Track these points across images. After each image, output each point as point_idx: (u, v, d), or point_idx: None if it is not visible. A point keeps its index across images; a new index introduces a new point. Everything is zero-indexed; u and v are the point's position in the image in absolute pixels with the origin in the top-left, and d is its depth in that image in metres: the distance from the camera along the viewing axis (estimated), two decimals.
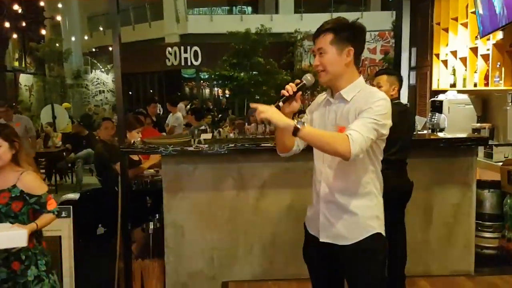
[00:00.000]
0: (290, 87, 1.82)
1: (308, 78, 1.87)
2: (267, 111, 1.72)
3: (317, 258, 2.00)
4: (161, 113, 10.26)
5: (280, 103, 1.81)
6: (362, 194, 1.87)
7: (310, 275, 2.07)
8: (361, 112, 1.77)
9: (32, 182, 2.37)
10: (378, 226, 1.88)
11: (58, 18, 14.04)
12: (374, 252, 1.87)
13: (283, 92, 1.83)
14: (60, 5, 14.02)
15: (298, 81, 1.85)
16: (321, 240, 1.92)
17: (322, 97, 2.02)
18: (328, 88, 1.95)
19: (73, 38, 15.75)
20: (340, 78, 1.86)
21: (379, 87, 2.89)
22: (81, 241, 3.30)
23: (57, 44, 14.75)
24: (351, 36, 1.84)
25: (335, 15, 15.38)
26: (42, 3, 12.98)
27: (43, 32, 14.87)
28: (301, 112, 2.79)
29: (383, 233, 1.90)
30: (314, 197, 1.99)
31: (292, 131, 1.71)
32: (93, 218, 3.43)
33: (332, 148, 1.72)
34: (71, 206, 3.22)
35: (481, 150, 4.52)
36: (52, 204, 2.40)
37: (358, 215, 1.86)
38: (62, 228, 3.28)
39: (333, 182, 1.89)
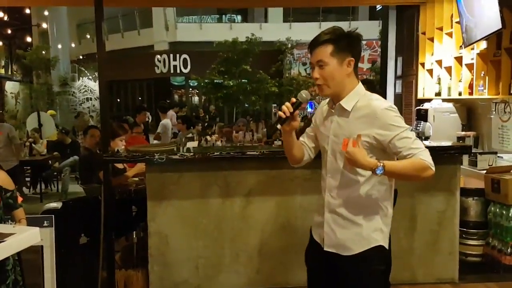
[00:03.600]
0: (287, 108, 1.80)
1: (303, 95, 1.83)
2: (356, 159, 1.68)
3: (318, 264, 1.99)
4: (149, 120, 10.22)
5: (278, 126, 1.82)
6: (366, 205, 1.84)
7: (308, 278, 2.07)
8: (384, 131, 1.74)
9: (6, 178, 2.51)
10: (381, 238, 1.86)
11: (44, 25, 13.95)
12: (374, 263, 1.87)
13: (280, 114, 1.81)
14: (46, 13, 13.94)
15: (293, 99, 1.82)
16: (325, 249, 1.92)
17: (325, 105, 1.99)
18: (329, 98, 1.93)
19: (59, 46, 15.65)
20: (343, 89, 1.83)
21: None
22: (63, 251, 3.25)
23: (43, 52, 14.65)
24: (350, 45, 1.81)
25: (324, 24, 15.58)
26: (28, 11, 12.90)
27: (30, 39, 14.77)
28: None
29: (386, 245, 1.89)
30: (320, 205, 1.99)
31: (375, 172, 1.69)
32: (76, 227, 3.38)
33: (417, 178, 1.76)
34: (53, 215, 3.17)
35: (465, 158, 4.56)
36: (19, 198, 2.57)
37: (362, 227, 1.84)
38: (44, 238, 3.22)
39: (337, 192, 1.87)
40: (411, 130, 1.78)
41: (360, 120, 1.78)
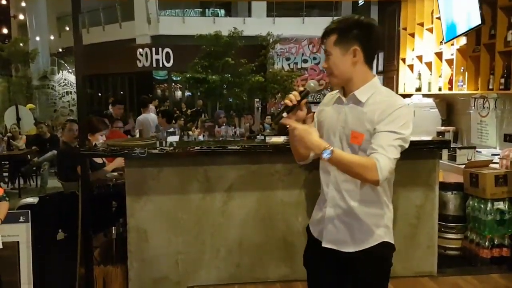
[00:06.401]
0: (294, 96, 1.72)
1: (311, 85, 1.79)
2: (300, 130, 1.65)
3: (319, 263, 1.92)
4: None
5: (284, 114, 1.72)
6: (373, 201, 1.79)
7: (308, 280, 1.98)
8: (381, 122, 1.67)
9: None
10: (385, 234, 1.82)
11: (21, 17, 13.66)
12: (379, 260, 1.82)
13: (286, 102, 1.73)
14: (24, 4, 13.64)
15: (301, 88, 1.77)
16: (323, 245, 1.85)
17: (332, 95, 1.92)
18: (340, 87, 1.85)
19: (37, 38, 15.34)
20: (351, 79, 1.76)
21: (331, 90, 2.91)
22: (40, 247, 3.19)
23: (21, 44, 14.34)
24: (357, 34, 1.73)
25: (307, 19, 15.57)
26: (4, 1, 12.61)
27: (7, 31, 14.46)
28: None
29: (392, 241, 1.85)
30: (321, 200, 1.91)
31: (321, 155, 1.64)
32: (53, 223, 3.31)
33: (360, 177, 1.67)
34: (29, 211, 3.10)
35: (445, 153, 4.62)
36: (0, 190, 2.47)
37: (366, 223, 1.79)
38: (20, 234, 3.16)
39: (343, 185, 1.79)
40: (401, 138, 1.69)
41: (374, 114, 1.71)
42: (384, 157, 1.63)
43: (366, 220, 1.78)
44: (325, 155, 1.61)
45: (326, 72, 1.83)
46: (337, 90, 1.88)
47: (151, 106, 8.26)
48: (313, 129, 1.68)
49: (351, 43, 1.73)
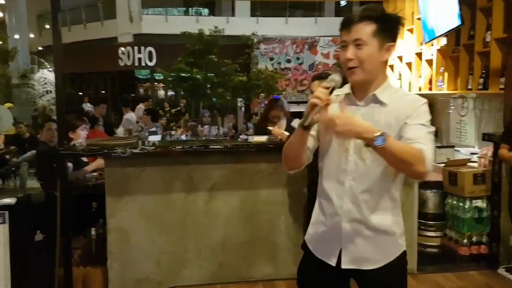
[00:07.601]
0: (323, 95, 1.42)
1: (335, 79, 1.48)
2: (342, 118, 1.38)
3: (327, 285, 1.71)
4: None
5: (316, 116, 1.44)
6: (393, 208, 1.60)
7: None
8: (409, 117, 1.51)
9: None
10: (404, 242, 1.66)
11: (0, 14, 13.40)
12: (400, 270, 1.66)
13: (315, 101, 1.42)
14: (3, 1, 13.37)
15: (327, 84, 1.46)
16: (343, 266, 1.61)
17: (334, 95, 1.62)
18: (344, 84, 1.58)
19: (16, 36, 15.07)
20: (376, 77, 1.55)
21: (312, 93, 2.90)
22: (18, 248, 3.12)
23: (0, 42, 14.06)
24: (393, 28, 1.55)
25: (290, 19, 15.62)
26: None
27: None
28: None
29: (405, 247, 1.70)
30: (325, 213, 1.64)
31: (373, 142, 1.36)
32: (31, 223, 3.24)
33: (407, 167, 1.42)
34: (7, 212, 3.04)
35: None
36: None
37: (392, 234, 1.61)
38: None
39: (361, 197, 1.56)
40: (431, 133, 1.54)
41: (399, 111, 1.53)
42: (428, 148, 1.44)
43: (392, 231, 1.61)
44: (379, 142, 1.35)
45: (347, 64, 1.53)
46: (340, 90, 1.59)
47: (141, 106, 8.18)
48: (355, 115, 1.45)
49: (388, 38, 1.53)
